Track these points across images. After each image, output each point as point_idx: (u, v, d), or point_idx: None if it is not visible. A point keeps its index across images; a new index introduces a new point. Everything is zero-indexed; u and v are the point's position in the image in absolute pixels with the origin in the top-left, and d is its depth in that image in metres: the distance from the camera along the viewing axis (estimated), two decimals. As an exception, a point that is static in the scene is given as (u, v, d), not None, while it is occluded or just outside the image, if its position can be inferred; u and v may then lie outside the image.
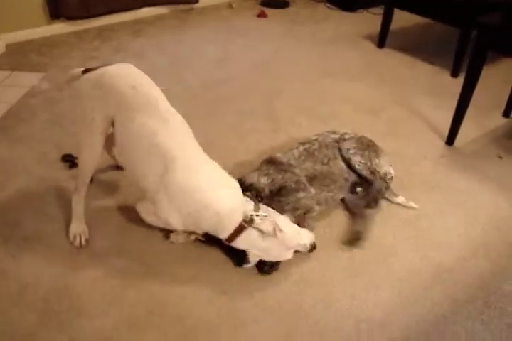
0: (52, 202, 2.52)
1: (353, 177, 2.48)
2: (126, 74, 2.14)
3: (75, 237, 2.28)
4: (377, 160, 2.51)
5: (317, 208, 2.37)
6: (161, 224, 2.16)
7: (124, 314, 1.98)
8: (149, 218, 2.19)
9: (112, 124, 2.15)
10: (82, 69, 2.23)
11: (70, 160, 2.78)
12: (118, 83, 2.08)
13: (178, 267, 2.19)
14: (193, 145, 2.12)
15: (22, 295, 2.05)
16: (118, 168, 2.70)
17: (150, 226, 2.28)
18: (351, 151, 2.49)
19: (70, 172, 2.70)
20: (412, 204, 2.54)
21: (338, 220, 2.47)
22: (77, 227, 2.31)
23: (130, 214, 2.45)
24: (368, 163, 2.47)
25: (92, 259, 2.22)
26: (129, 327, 1.93)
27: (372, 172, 2.46)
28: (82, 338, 1.89)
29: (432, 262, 2.25)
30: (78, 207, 2.34)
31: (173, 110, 2.14)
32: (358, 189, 2.48)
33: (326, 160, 2.46)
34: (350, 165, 2.48)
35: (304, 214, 2.32)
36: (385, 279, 2.16)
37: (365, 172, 2.45)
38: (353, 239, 2.33)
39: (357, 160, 2.47)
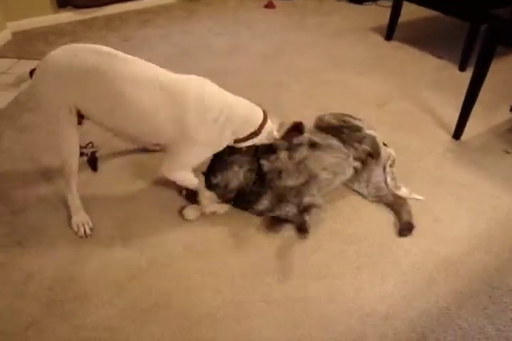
0: (58, 191, 2.51)
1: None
2: (69, 56, 2.07)
3: (78, 227, 2.29)
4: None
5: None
6: (190, 159, 2.25)
7: (128, 305, 1.98)
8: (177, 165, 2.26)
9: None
10: (29, 70, 2.20)
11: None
12: (66, 68, 2.05)
13: (183, 259, 2.19)
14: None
15: (27, 284, 2.05)
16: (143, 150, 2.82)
17: (155, 217, 2.28)
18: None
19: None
20: (416, 196, 2.54)
21: (344, 214, 2.46)
22: (79, 217, 2.32)
23: (135, 204, 2.46)
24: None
25: (96, 249, 2.22)
26: (133, 319, 1.94)
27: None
28: (86, 327, 1.90)
29: (437, 256, 2.25)
30: (74, 201, 2.35)
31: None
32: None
33: None
34: None
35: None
36: (390, 273, 2.16)
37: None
38: (406, 229, 2.36)
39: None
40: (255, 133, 2.25)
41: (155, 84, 2.07)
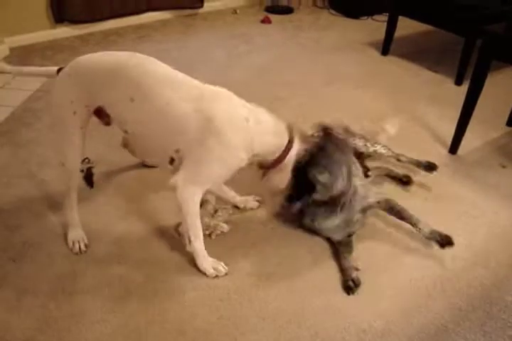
0: (53, 207, 2.51)
1: None
2: (100, 55, 2.09)
3: (73, 243, 2.27)
4: None
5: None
6: (224, 173, 2.07)
7: (123, 322, 1.97)
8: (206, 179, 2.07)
9: (100, 111, 2.13)
10: (57, 67, 2.17)
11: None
12: (95, 65, 2.04)
13: (179, 275, 2.17)
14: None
15: (21, 301, 2.04)
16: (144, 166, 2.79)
17: (151, 233, 2.28)
18: None
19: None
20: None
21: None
22: (75, 233, 2.30)
23: (132, 220, 2.45)
24: None
25: (92, 266, 2.21)
26: (128, 336, 1.92)
27: None
28: (81, 345, 1.88)
29: (434, 271, 2.24)
30: (71, 213, 2.31)
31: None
32: None
33: None
34: None
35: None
36: (387, 288, 2.15)
37: None
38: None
39: None
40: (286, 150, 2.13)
41: (184, 83, 2.05)
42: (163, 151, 2.09)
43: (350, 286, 2.11)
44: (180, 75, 2.07)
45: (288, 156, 2.13)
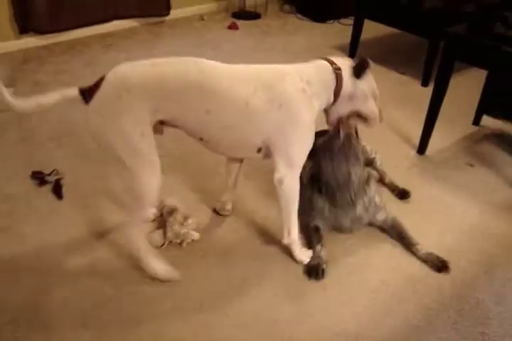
0: (21, 220, 2.47)
1: None
2: (151, 65, 1.89)
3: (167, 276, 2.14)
4: None
5: None
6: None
7: (95, 334, 1.94)
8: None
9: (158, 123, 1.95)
10: (77, 90, 1.87)
11: (39, 178, 2.73)
12: (153, 78, 1.84)
13: (150, 285, 2.15)
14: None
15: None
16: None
17: (121, 244, 2.26)
18: None
19: (40, 190, 2.66)
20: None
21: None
22: (161, 266, 2.13)
23: (101, 231, 2.43)
24: None
25: (62, 279, 2.18)
26: (101, 348, 1.90)
27: None
28: (53, 360, 1.86)
29: (405, 272, 2.25)
30: (143, 244, 2.09)
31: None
32: None
33: None
34: None
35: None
36: (358, 291, 2.16)
37: None
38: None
39: None
40: (338, 85, 2.13)
41: (246, 74, 1.98)
42: (248, 146, 2.07)
43: (310, 273, 2.20)
44: (239, 67, 2.01)
45: (343, 86, 2.16)
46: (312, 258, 2.25)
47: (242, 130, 1.98)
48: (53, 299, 2.08)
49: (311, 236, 2.35)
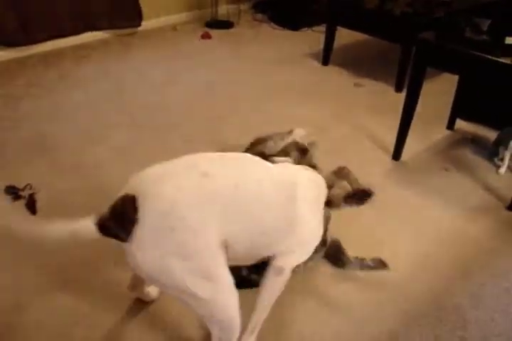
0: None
1: None
2: (187, 180, 1.55)
3: None
4: None
5: None
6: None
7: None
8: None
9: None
10: (91, 221, 1.52)
11: (13, 193, 2.69)
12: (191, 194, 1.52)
13: (128, 301, 2.13)
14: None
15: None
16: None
17: (96, 261, 2.23)
18: None
19: (13, 205, 2.62)
20: None
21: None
22: None
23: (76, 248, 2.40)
24: None
25: (37, 296, 2.14)
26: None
27: None
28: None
29: (382, 279, 2.25)
30: None
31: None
32: None
33: None
34: None
35: None
36: (336, 300, 2.16)
37: None
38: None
39: None
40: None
41: (274, 184, 1.72)
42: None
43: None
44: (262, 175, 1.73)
45: None
46: None
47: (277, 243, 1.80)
48: (28, 318, 2.04)
49: None
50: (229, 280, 1.59)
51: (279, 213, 1.70)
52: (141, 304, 2.10)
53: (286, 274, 1.80)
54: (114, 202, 1.52)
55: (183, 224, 1.47)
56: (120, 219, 1.48)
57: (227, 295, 1.60)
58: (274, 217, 1.69)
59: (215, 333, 1.67)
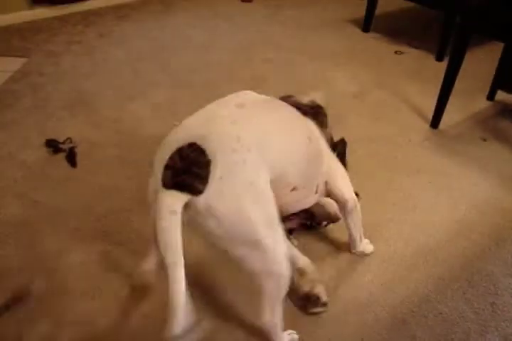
0: (36, 187, 2.50)
1: None
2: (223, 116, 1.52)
3: None
4: None
5: None
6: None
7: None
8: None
9: None
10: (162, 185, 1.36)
11: (53, 145, 2.75)
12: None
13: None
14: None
15: None
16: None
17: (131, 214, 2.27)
18: None
19: (54, 158, 2.68)
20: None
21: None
22: None
23: (114, 199, 2.45)
24: None
25: (76, 245, 2.20)
26: None
27: None
28: None
29: (416, 243, 2.26)
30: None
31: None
32: None
33: None
34: None
35: None
36: (370, 260, 2.17)
37: None
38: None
39: None
40: None
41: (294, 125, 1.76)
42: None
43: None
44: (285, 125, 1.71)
45: None
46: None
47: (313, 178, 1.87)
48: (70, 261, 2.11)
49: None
50: (281, 229, 1.51)
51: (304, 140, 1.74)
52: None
53: (355, 200, 2.02)
54: (173, 156, 1.38)
55: (251, 156, 1.41)
56: (193, 166, 1.35)
57: (283, 246, 1.51)
58: (305, 144, 1.73)
59: (268, 290, 1.56)
